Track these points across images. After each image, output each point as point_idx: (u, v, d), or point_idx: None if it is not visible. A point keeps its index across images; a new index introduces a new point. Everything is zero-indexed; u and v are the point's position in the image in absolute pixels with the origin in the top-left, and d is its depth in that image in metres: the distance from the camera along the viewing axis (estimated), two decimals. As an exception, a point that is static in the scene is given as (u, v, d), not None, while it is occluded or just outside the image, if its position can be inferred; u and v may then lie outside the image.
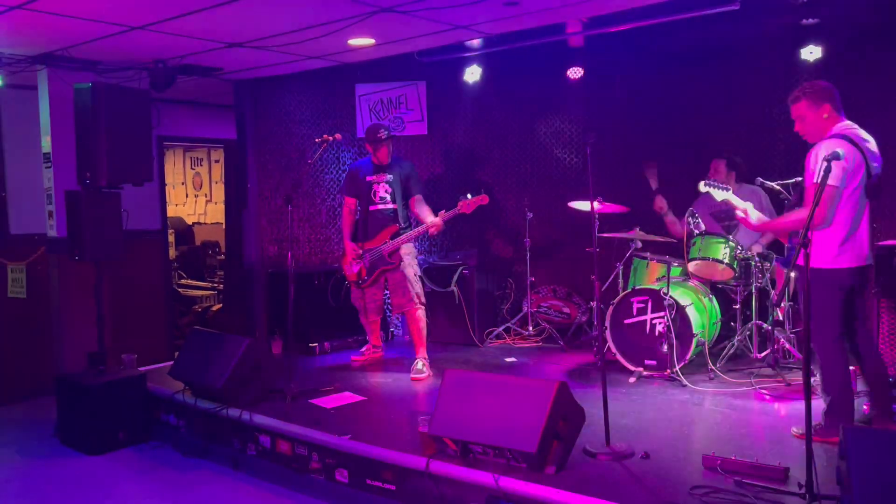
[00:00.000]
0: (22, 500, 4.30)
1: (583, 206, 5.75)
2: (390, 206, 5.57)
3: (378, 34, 5.29)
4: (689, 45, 6.07)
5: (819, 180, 3.33)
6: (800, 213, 3.71)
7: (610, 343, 5.33)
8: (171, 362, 5.56)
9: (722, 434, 4.05)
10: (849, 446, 2.80)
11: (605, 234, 5.66)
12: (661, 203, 5.79)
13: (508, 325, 6.63)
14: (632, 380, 5.10)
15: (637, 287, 5.39)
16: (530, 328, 6.51)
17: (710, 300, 5.47)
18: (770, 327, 5.19)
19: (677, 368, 5.01)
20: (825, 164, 3.32)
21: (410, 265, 5.57)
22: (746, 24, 5.39)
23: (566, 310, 6.72)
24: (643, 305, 5.24)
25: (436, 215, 5.35)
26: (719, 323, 5.54)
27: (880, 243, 5.07)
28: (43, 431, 5.43)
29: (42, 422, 5.61)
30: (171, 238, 9.89)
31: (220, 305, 8.71)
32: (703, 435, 4.11)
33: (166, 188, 7.94)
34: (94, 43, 5.25)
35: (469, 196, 5.29)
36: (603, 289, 5.67)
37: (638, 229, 5.58)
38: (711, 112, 6.18)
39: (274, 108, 7.01)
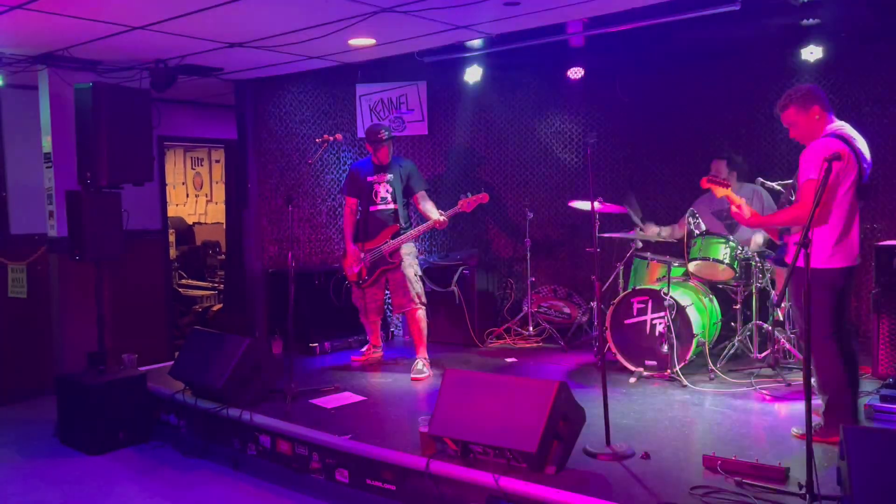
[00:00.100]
0: (22, 500, 4.30)
1: (583, 205, 5.75)
2: (391, 206, 5.57)
3: (378, 34, 5.29)
4: (689, 46, 6.07)
5: (820, 180, 3.33)
6: (792, 211, 3.71)
7: (610, 343, 5.33)
8: (172, 362, 5.56)
9: (722, 434, 4.04)
10: (849, 447, 2.80)
11: (606, 234, 5.66)
12: (651, 230, 5.73)
13: (509, 325, 6.63)
14: (632, 380, 5.10)
15: (637, 287, 5.38)
16: (531, 328, 6.51)
17: (711, 300, 5.47)
18: (770, 327, 5.18)
19: (677, 369, 5.01)
20: (826, 164, 3.32)
21: (411, 265, 5.57)
22: (747, 24, 5.38)
23: (566, 310, 6.72)
24: (643, 306, 5.24)
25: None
26: (719, 323, 5.54)
27: (880, 243, 5.07)
28: (43, 431, 5.43)
29: (42, 422, 5.61)
30: (172, 238, 9.90)
31: (221, 305, 8.71)
32: (704, 435, 4.11)
33: (167, 188, 7.94)
34: (94, 43, 5.25)
35: (469, 195, 5.31)
36: (603, 289, 5.67)
37: (638, 229, 5.58)
38: (712, 112, 6.18)
39: (274, 108, 7.01)
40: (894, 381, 4.30)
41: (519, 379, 3.92)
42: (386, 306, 6.31)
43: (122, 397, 5.08)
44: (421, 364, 5.48)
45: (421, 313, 5.57)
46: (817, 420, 3.70)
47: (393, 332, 7.07)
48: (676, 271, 5.43)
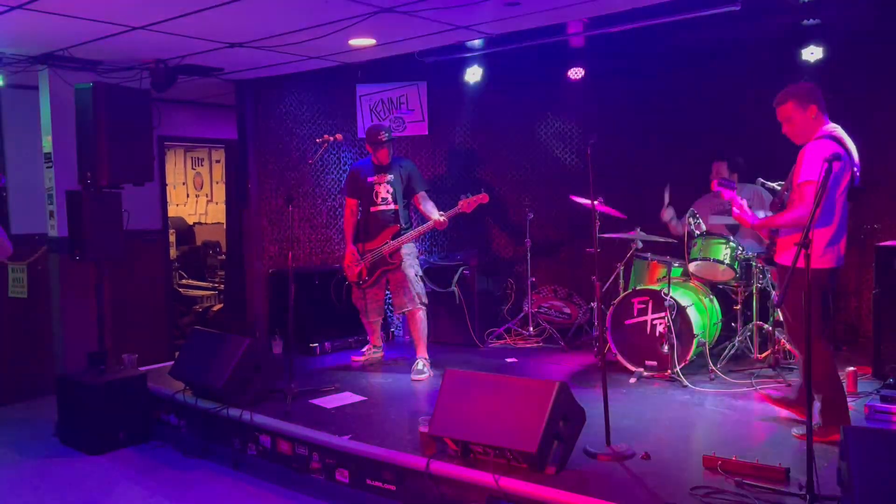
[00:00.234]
0: (22, 500, 4.30)
1: (584, 200, 5.74)
2: (391, 206, 5.57)
3: (379, 34, 5.29)
4: (689, 46, 6.07)
5: (819, 180, 3.33)
6: (794, 212, 3.70)
7: (610, 343, 5.33)
8: (172, 362, 5.56)
9: (722, 435, 4.05)
10: (849, 447, 2.79)
11: (606, 235, 5.66)
12: (667, 214, 5.76)
13: (509, 325, 6.63)
14: (632, 380, 5.10)
15: (638, 287, 5.38)
16: (531, 328, 6.51)
17: (711, 301, 5.46)
18: (771, 328, 5.18)
19: (678, 369, 5.00)
20: (826, 164, 3.32)
21: (411, 265, 5.57)
22: (747, 24, 5.39)
23: (567, 310, 6.72)
24: (644, 306, 5.24)
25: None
26: (720, 323, 5.53)
27: (881, 244, 5.07)
28: (43, 431, 5.43)
29: (42, 422, 5.61)
30: (172, 238, 9.90)
31: (221, 305, 8.70)
32: (704, 435, 4.11)
33: (167, 188, 7.94)
34: (94, 43, 5.25)
35: (469, 195, 5.31)
36: (604, 289, 5.67)
37: (639, 230, 5.58)
38: (712, 112, 6.18)
39: (275, 108, 7.01)
40: (894, 382, 4.30)
41: (519, 379, 3.92)
42: (386, 307, 6.31)
43: (122, 397, 5.08)
44: (421, 364, 5.48)
45: (421, 314, 5.57)
46: (816, 421, 3.70)
47: (393, 332, 7.07)
48: (677, 272, 5.43)
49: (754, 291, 5.29)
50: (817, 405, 3.76)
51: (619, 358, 5.31)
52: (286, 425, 4.38)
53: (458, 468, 3.58)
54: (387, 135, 5.51)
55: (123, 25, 4.82)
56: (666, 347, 5.05)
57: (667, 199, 5.73)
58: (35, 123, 6.00)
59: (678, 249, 5.54)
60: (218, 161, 11.80)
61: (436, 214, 5.37)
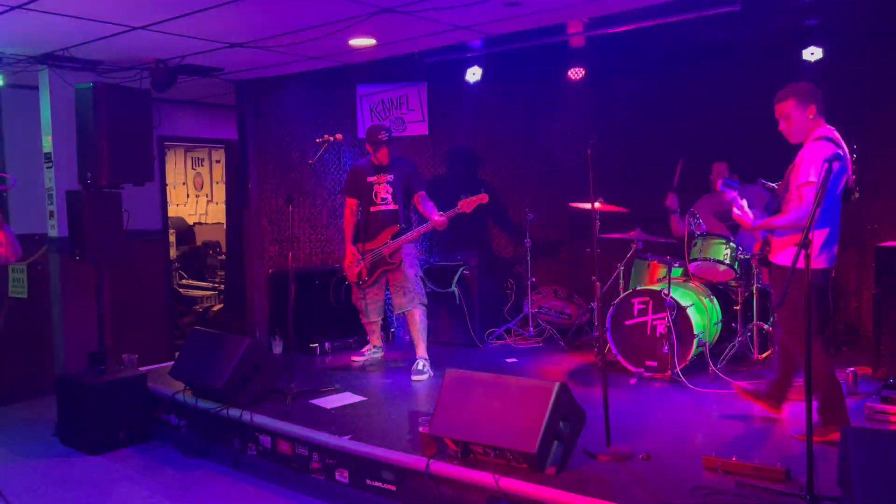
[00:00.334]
0: (22, 500, 4.30)
1: (584, 205, 5.74)
2: (391, 206, 5.57)
3: (379, 34, 5.28)
4: (690, 46, 6.07)
5: (819, 181, 3.33)
6: (794, 213, 3.72)
7: (611, 344, 5.33)
8: (172, 362, 5.56)
9: (722, 435, 4.04)
10: (850, 447, 2.79)
11: (606, 235, 5.66)
12: (672, 201, 5.78)
13: (509, 325, 6.63)
14: (633, 381, 5.10)
15: (638, 288, 5.38)
16: (531, 329, 6.51)
17: (711, 301, 5.46)
18: (771, 328, 5.18)
19: (678, 369, 5.00)
20: (826, 164, 3.32)
21: (411, 265, 5.57)
22: (747, 25, 5.39)
23: (567, 310, 6.71)
24: (644, 306, 5.24)
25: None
26: (720, 324, 5.53)
27: (881, 244, 5.07)
28: (43, 431, 5.43)
29: (42, 422, 5.61)
30: (172, 238, 9.89)
31: (221, 305, 8.70)
32: (704, 436, 4.10)
33: (167, 188, 7.94)
34: (94, 43, 5.25)
35: (469, 195, 5.31)
36: (604, 290, 5.65)
37: (639, 230, 5.58)
38: (712, 113, 6.18)
39: (275, 108, 7.00)
40: (894, 382, 4.30)
41: (519, 379, 3.91)
42: (386, 307, 6.31)
43: (122, 397, 5.08)
44: (421, 364, 5.47)
45: (421, 314, 5.57)
46: (816, 421, 3.70)
47: (393, 332, 7.07)
48: (677, 272, 5.43)
49: (754, 291, 5.29)
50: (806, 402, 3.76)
51: (620, 358, 5.31)
52: (286, 425, 4.37)
53: (458, 468, 3.58)
54: (387, 134, 5.51)
55: (123, 25, 4.82)
56: (666, 348, 5.04)
57: (675, 182, 5.72)
58: (35, 123, 5.99)
59: (678, 249, 5.54)
60: (218, 161, 11.80)
61: (435, 215, 5.38)
